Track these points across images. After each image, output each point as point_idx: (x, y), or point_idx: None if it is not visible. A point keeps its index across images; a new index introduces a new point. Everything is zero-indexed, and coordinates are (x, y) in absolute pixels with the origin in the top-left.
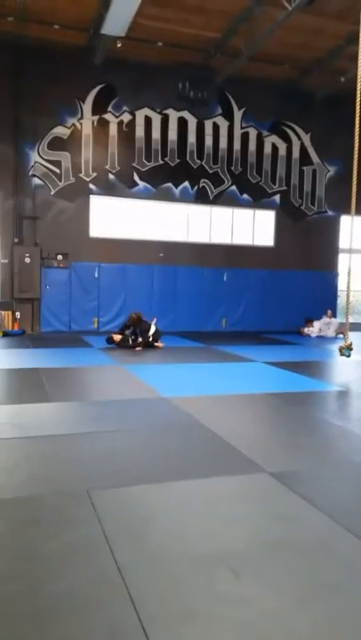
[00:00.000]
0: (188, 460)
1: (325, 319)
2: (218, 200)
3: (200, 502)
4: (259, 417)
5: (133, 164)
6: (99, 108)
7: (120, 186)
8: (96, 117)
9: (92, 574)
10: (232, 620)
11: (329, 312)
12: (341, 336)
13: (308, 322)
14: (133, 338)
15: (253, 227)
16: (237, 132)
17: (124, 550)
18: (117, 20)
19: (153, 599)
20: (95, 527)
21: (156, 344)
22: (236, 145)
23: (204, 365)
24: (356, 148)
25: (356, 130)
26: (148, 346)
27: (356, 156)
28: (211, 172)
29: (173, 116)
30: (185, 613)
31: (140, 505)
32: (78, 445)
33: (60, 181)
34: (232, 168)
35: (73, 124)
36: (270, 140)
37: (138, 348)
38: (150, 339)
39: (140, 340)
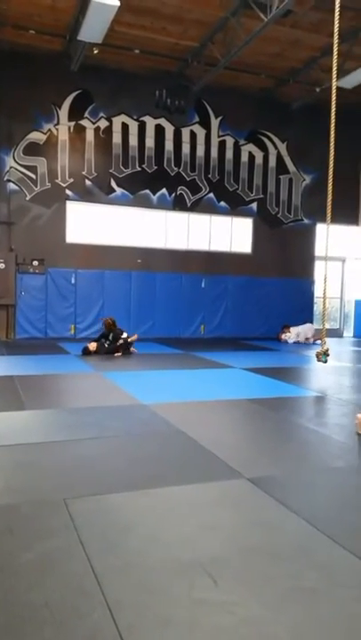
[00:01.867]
0: (167, 466)
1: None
2: (196, 207)
3: (179, 509)
4: (237, 423)
5: (110, 171)
6: (75, 113)
7: (97, 192)
8: (72, 123)
9: (69, 583)
10: (211, 626)
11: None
12: (319, 342)
13: (285, 328)
14: (109, 342)
15: (231, 234)
16: (214, 140)
17: (102, 558)
18: (94, 27)
19: (131, 607)
20: (72, 536)
21: (130, 349)
22: (214, 153)
23: (182, 372)
24: (332, 158)
25: (332, 140)
26: (126, 351)
27: (331, 166)
28: (188, 179)
29: (150, 123)
30: (163, 621)
31: (119, 513)
32: (55, 453)
33: (36, 187)
34: (209, 176)
35: (49, 130)
36: (247, 148)
37: (117, 354)
38: (128, 340)
39: (119, 342)
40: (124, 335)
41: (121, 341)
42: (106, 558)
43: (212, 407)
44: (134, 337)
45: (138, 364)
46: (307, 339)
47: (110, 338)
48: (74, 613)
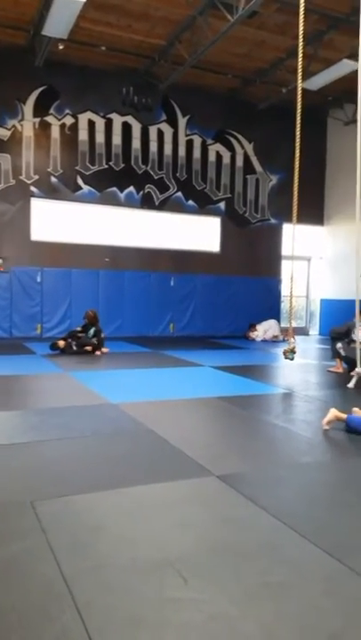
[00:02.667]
0: (137, 466)
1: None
2: (164, 206)
3: (149, 508)
4: (207, 420)
5: (77, 168)
6: (40, 110)
7: (63, 189)
8: (37, 119)
9: (37, 586)
10: (181, 624)
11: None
12: (287, 339)
13: (252, 326)
14: (88, 337)
15: (199, 232)
16: (182, 139)
17: (71, 560)
18: (59, 22)
19: (100, 609)
20: (39, 538)
21: (102, 349)
22: (181, 152)
23: (152, 370)
24: (297, 159)
25: (297, 141)
26: (94, 351)
27: (296, 167)
28: (156, 177)
29: (117, 120)
30: (133, 621)
31: (87, 513)
32: (20, 455)
33: (0, 183)
34: (177, 174)
35: (13, 126)
36: (215, 148)
37: (98, 352)
38: (103, 338)
39: (93, 340)
40: (103, 335)
41: (103, 337)
42: (75, 560)
43: (181, 405)
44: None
45: (107, 364)
46: (275, 336)
47: (91, 332)
48: (42, 617)
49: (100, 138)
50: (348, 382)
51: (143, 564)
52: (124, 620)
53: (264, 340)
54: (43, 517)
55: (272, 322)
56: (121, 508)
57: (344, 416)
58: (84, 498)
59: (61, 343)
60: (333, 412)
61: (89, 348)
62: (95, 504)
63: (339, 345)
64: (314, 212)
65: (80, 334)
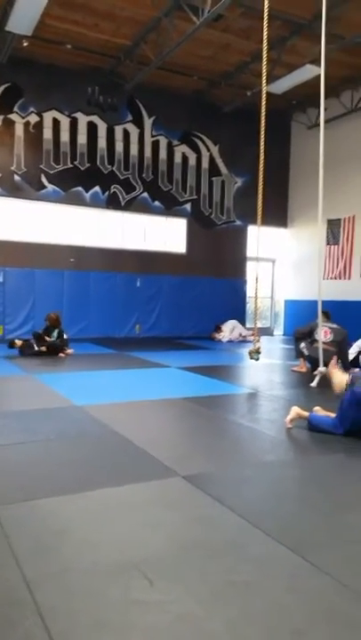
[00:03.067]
0: (102, 468)
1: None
2: (130, 206)
3: (114, 511)
4: (173, 421)
5: (41, 166)
6: (3, 107)
7: (27, 188)
8: (1, 117)
9: None
10: (146, 627)
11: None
12: (252, 338)
13: (218, 327)
14: (53, 340)
15: (165, 233)
16: (148, 140)
17: (34, 565)
18: (23, 18)
19: (64, 613)
20: (1, 543)
21: (66, 351)
22: (147, 152)
23: (117, 372)
24: (262, 162)
25: (262, 144)
26: (58, 352)
27: (261, 169)
28: (122, 177)
29: (83, 119)
30: (98, 625)
31: (52, 518)
32: None
33: None
34: (143, 175)
35: None
36: (180, 149)
37: (62, 354)
38: (66, 339)
39: (58, 341)
40: (66, 337)
41: (66, 339)
42: (38, 565)
43: (147, 407)
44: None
45: (72, 365)
46: (243, 336)
47: (55, 334)
48: (4, 623)
49: (64, 137)
50: (312, 381)
51: (108, 566)
52: (88, 625)
53: (230, 341)
54: (5, 522)
55: (234, 322)
56: (86, 511)
57: (306, 414)
58: (48, 502)
59: (18, 342)
60: (296, 410)
61: (63, 355)
62: (60, 508)
63: (302, 345)
64: (278, 215)
65: (47, 337)
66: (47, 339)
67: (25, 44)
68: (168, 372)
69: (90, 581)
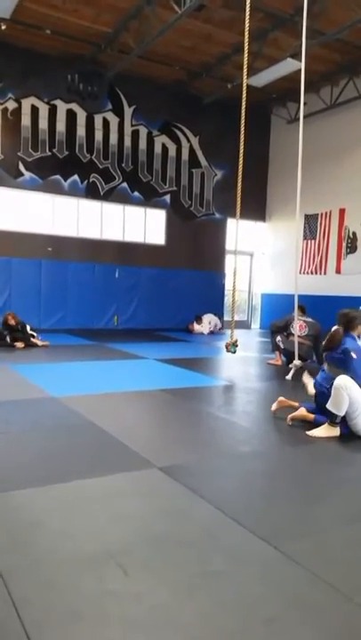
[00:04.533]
0: (77, 460)
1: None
2: (109, 196)
3: (89, 502)
4: (149, 413)
5: (19, 154)
6: None
7: (4, 175)
8: None
9: None
10: (121, 617)
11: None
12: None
13: (198, 318)
14: (22, 335)
15: (145, 224)
16: (128, 129)
17: (7, 557)
18: (1, 1)
19: (38, 604)
20: None
21: (39, 342)
22: (127, 142)
23: (95, 363)
24: (241, 155)
25: (242, 136)
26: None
27: (240, 163)
28: (101, 167)
29: (62, 107)
30: (72, 615)
31: (25, 509)
32: None
33: None
34: (123, 165)
35: None
36: (160, 140)
37: (40, 343)
38: (30, 332)
39: (30, 335)
40: (28, 328)
41: (33, 334)
42: (11, 556)
43: (124, 398)
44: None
45: (48, 357)
46: (220, 328)
47: (20, 328)
48: None
49: (43, 124)
50: (287, 374)
51: (82, 557)
52: (62, 615)
53: (211, 333)
54: None
55: (211, 315)
56: (61, 502)
57: (311, 416)
58: (22, 493)
59: None
60: (301, 411)
61: (20, 344)
62: (34, 500)
63: (278, 338)
64: (257, 209)
65: (19, 334)
66: (18, 337)
67: (3, 28)
68: (145, 364)
69: (64, 572)
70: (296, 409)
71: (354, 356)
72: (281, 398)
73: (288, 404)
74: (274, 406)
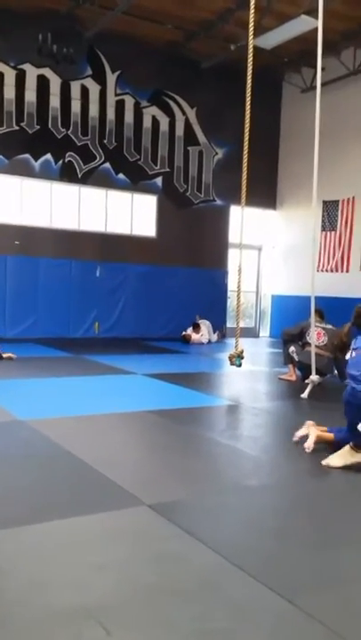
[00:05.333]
0: (51, 496)
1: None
2: (88, 179)
3: (65, 547)
4: (137, 439)
5: None
6: None
7: None
8: None
9: None
10: None
11: (197, 317)
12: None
13: (196, 326)
14: None
15: (132, 213)
16: (111, 99)
17: None
18: None
19: None
20: None
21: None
22: (110, 114)
23: (71, 379)
24: (247, 130)
25: (247, 108)
26: None
27: (246, 139)
28: (79, 144)
29: (32, 72)
30: None
31: None
32: None
33: None
34: (105, 142)
35: None
36: (150, 112)
37: (5, 355)
38: None
39: None
40: None
41: None
42: None
43: (107, 421)
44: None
45: (14, 372)
46: (223, 337)
47: None
48: None
49: (9, 93)
50: (303, 392)
51: (59, 612)
52: None
53: (210, 342)
54: None
55: (210, 322)
56: (31, 547)
57: (330, 436)
58: None
59: None
60: (316, 433)
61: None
62: (3, 543)
63: (292, 349)
64: (266, 194)
65: None
66: None
67: None
68: (133, 380)
69: (37, 629)
70: (331, 443)
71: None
72: (310, 425)
73: (323, 438)
74: (301, 432)
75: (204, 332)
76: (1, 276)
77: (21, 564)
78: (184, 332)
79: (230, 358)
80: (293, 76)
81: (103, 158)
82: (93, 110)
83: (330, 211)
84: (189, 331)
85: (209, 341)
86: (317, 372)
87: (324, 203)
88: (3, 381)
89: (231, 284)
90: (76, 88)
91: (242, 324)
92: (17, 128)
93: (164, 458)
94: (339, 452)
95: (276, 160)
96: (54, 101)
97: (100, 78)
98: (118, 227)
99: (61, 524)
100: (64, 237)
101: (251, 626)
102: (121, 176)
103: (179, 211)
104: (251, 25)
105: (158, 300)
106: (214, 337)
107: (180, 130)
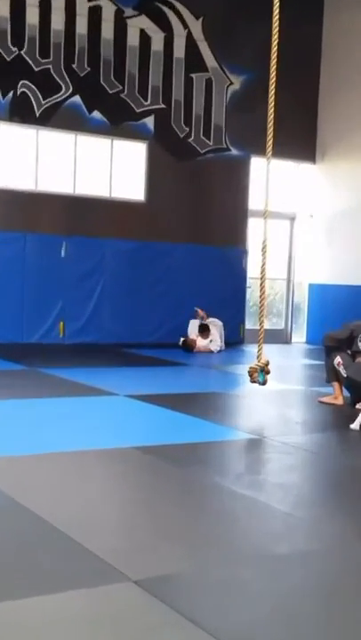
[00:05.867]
0: (1, 570)
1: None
2: (50, 119)
3: (21, 637)
4: (120, 488)
5: None
6: None
7: None
8: None
9: None
10: None
11: (199, 311)
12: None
13: (203, 328)
14: None
15: (111, 167)
16: (82, 6)
17: None
18: None
19: None
20: None
21: None
22: (81, 27)
23: (27, 403)
24: (274, 50)
25: (275, 19)
26: None
27: (273, 62)
28: (37, 68)
29: None
30: None
31: None
32: None
33: None
34: (74, 66)
35: None
36: (138, 23)
37: None
38: None
39: None
40: None
41: None
42: None
43: (77, 463)
44: None
45: None
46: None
47: None
48: None
49: None
50: (352, 421)
51: None
52: None
53: (221, 351)
54: None
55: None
56: None
57: None
58: None
59: None
60: None
61: None
62: None
63: (337, 360)
64: (301, 141)
65: None
66: None
67: None
68: (113, 404)
69: None
70: None
71: None
72: None
73: None
74: None
75: (214, 337)
76: None
77: None
78: (183, 337)
79: (251, 373)
80: None
81: (71, 89)
82: (57, 22)
83: None
84: (193, 334)
85: (220, 349)
86: None
87: None
88: None
89: (252, 269)
90: None
91: (267, 326)
92: None
93: (157, 514)
94: None
95: (315, 92)
96: (3, 10)
97: None
98: (92, 187)
99: (15, 606)
100: (15, 201)
101: None
102: (96, 115)
103: (178, 164)
104: None
105: (149, 291)
106: (221, 343)
107: (179, 50)
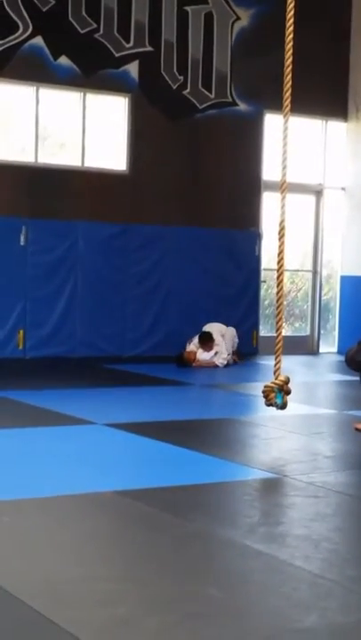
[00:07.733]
0: None
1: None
2: (3, 66)
3: None
4: (100, 543)
5: None
6: None
7: None
8: None
9: None
10: None
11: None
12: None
13: (205, 337)
14: None
15: (84, 128)
16: None
17: None
18: None
19: None
20: None
21: None
22: None
23: None
24: None
25: None
26: None
27: None
28: None
29: None
30: None
31: None
32: None
33: None
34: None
35: None
36: None
37: None
38: None
39: None
40: None
41: None
42: None
43: (44, 512)
44: None
45: None
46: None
47: None
48: None
49: None
50: None
51: None
52: None
53: (228, 365)
54: None
55: (232, 329)
56: None
57: None
58: None
59: None
60: None
61: None
62: None
63: None
64: (329, 93)
65: None
66: None
67: None
68: (89, 436)
69: None
70: None
71: None
72: None
73: None
74: None
75: (219, 347)
76: None
77: None
78: (185, 349)
79: (267, 394)
80: None
81: (31, 29)
82: None
83: None
84: (192, 345)
85: (228, 363)
86: None
87: None
88: None
89: (267, 258)
90: None
91: (287, 332)
92: None
93: (148, 577)
94: None
95: (346, 28)
96: None
97: None
98: (60, 154)
99: None
100: None
101: None
102: (63, 61)
103: (170, 123)
104: None
105: (134, 289)
106: (226, 356)
107: None
